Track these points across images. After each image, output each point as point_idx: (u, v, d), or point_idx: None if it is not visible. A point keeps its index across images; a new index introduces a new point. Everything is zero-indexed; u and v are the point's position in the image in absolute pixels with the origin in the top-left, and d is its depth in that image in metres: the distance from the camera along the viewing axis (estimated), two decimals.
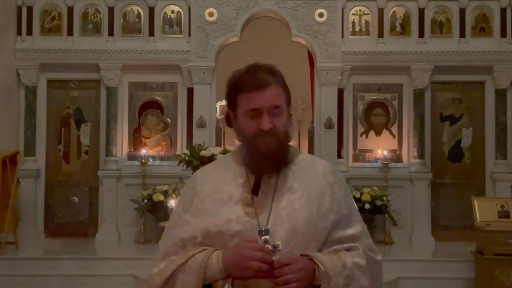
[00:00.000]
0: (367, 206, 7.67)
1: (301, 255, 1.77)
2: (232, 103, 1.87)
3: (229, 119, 1.92)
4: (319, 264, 1.76)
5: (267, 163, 1.83)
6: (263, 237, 1.77)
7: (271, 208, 1.82)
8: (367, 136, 8.53)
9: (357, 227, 1.91)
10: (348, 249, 1.85)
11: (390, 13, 8.45)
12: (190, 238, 1.84)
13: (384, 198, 7.80)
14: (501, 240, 6.14)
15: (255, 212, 1.82)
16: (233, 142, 9.91)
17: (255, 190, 1.85)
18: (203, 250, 1.81)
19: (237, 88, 1.84)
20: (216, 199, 1.86)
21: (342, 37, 8.33)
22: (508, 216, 6.51)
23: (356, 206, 2.01)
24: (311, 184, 1.88)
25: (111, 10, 8.42)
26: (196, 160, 6.62)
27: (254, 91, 1.80)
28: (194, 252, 1.81)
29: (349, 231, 1.88)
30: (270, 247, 1.75)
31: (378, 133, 8.53)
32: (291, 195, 1.85)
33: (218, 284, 1.79)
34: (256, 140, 1.81)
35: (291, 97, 1.91)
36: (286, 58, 11.33)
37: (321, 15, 8.24)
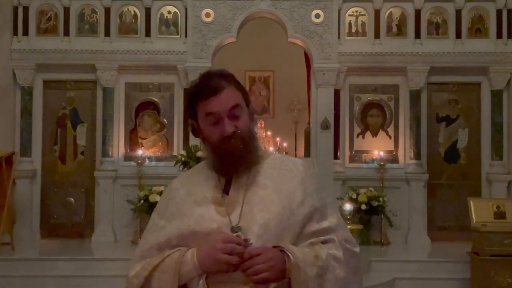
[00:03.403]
0: (363, 206, 7.69)
1: (273, 246, 1.78)
2: (193, 114, 1.91)
3: (195, 130, 1.94)
4: (289, 254, 1.76)
5: (234, 164, 1.87)
6: (235, 234, 1.79)
7: (242, 205, 1.84)
8: (363, 137, 8.54)
9: (332, 219, 1.90)
10: (324, 242, 1.85)
11: (387, 14, 8.46)
12: (165, 241, 1.87)
13: (380, 199, 7.81)
14: (497, 240, 6.17)
15: (227, 210, 1.84)
16: None
17: (226, 190, 1.88)
18: (179, 249, 1.84)
19: (194, 98, 1.88)
20: (189, 201, 1.89)
21: (339, 38, 8.34)
22: (504, 217, 6.53)
23: (331, 199, 2.01)
24: (283, 181, 1.90)
25: (107, 11, 8.41)
26: (193, 161, 6.61)
27: (210, 97, 1.84)
28: (170, 252, 1.84)
29: (324, 224, 1.87)
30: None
31: (375, 134, 8.54)
32: (262, 192, 1.87)
33: (194, 282, 1.81)
34: (221, 145, 1.84)
35: (249, 96, 1.94)
36: (283, 59, 11.41)
37: (317, 16, 8.24)
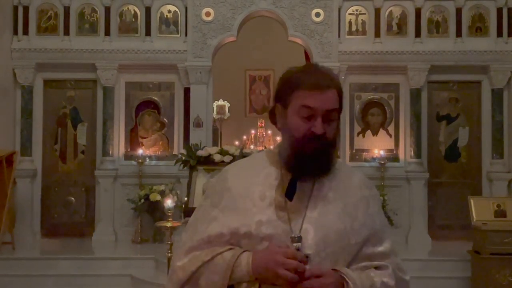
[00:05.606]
0: None
1: (332, 269, 1.73)
2: (284, 100, 1.79)
3: (274, 115, 1.84)
4: (349, 282, 1.72)
5: (311, 165, 1.76)
6: (294, 244, 1.72)
7: (304, 215, 1.76)
8: (363, 136, 8.54)
9: (387, 245, 1.86)
10: (377, 267, 1.81)
11: (387, 13, 8.46)
12: (217, 235, 1.78)
13: (381, 198, 7.80)
14: (498, 239, 6.16)
15: (288, 217, 1.76)
16: (230, 142, 9.91)
17: (289, 194, 1.77)
18: (231, 249, 1.76)
19: (295, 84, 1.77)
20: (247, 198, 1.80)
21: (339, 36, 8.34)
22: (504, 216, 6.52)
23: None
24: (347, 196, 1.83)
25: (107, 10, 8.41)
26: (193, 160, 6.61)
27: (313, 90, 1.74)
28: (221, 250, 1.76)
29: (380, 248, 1.83)
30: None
31: (375, 133, 8.54)
32: (326, 205, 1.79)
33: (242, 286, 1.75)
34: (304, 142, 1.74)
35: (342, 107, 1.85)
36: (283, 58, 11.40)
37: (317, 14, 8.24)
